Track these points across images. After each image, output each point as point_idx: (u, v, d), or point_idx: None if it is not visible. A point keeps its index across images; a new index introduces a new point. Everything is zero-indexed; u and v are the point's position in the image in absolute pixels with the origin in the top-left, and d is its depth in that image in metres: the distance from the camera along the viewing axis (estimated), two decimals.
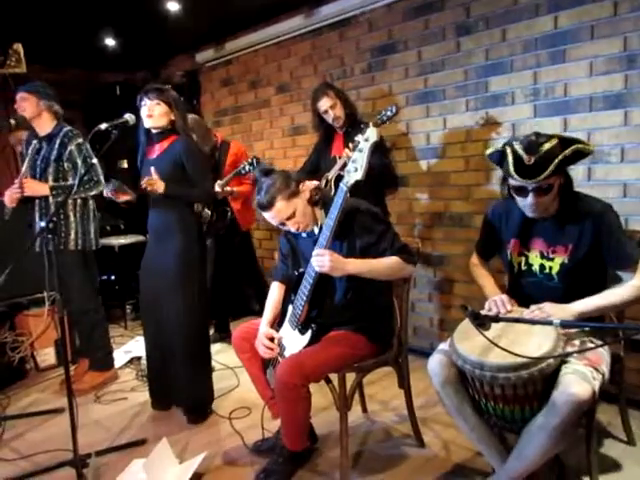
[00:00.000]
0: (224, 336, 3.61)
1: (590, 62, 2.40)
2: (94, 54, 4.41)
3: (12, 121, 2.63)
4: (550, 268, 1.73)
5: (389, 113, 2.69)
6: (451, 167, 2.99)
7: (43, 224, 1.85)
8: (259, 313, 2.16)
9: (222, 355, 3.27)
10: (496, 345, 1.39)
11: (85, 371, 2.96)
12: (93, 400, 2.78)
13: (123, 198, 2.46)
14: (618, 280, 1.68)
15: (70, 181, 2.76)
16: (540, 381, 1.50)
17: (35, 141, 2.82)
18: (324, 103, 2.87)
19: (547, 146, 1.57)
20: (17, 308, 3.23)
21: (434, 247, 3.12)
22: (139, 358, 3.22)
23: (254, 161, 3.10)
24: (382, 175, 2.81)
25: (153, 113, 2.34)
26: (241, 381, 2.90)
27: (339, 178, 2.86)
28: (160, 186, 2.31)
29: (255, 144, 4.21)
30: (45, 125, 2.79)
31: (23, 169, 2.78)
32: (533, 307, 1.62)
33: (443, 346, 1.73)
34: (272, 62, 3.96)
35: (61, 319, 1.92)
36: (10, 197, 2.69)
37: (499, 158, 1.68)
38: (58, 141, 2.75)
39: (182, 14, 3.51)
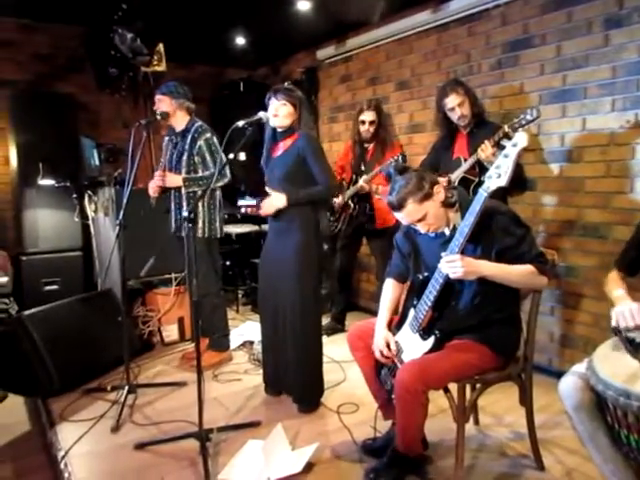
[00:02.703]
0: (340, 328, 3.68)
1: None
2: (221, 51, 4.69)
3: (158, 116, 2.90)
4: None
5: (529, 117, 2.41)
6: (588, 172, 2.74)
7: (185, 214, 2.01)
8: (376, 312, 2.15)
9: (328, 348, 3.31)
10: None
11: (204, 350, 3.16)
12: (211, 378, 2.97)
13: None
14: None
15: (200, 173, 2.97)
16: None
17: (173, 136, 3.08)
18: (452, 100, 2.75)
19: None
20: (149, 286, 3.57)
21: (562, 257, 2.89)
22: (251, 342, 3.40)
23: (400, 157, 3.07)
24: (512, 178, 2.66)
25: (278, 113, 2.42)
26: (348, 376, 2.94)
27: (463, 181, 2.77)
28: (280, 201, 2.40)
29: None
30: (180, 121, 3.02)
31: (161, 162, 3.06)
32: None
33: (578, 368, 1.60)
34: (393, 58, 3.91)
35: (196, 303, 2.05)
36: (153, 188, 2.98)
37: None
38: (190, 136, 2.98)
39: (310, 12, 3.59)
